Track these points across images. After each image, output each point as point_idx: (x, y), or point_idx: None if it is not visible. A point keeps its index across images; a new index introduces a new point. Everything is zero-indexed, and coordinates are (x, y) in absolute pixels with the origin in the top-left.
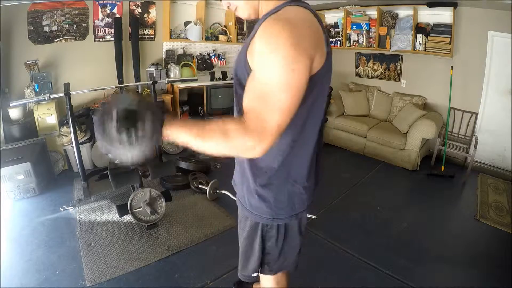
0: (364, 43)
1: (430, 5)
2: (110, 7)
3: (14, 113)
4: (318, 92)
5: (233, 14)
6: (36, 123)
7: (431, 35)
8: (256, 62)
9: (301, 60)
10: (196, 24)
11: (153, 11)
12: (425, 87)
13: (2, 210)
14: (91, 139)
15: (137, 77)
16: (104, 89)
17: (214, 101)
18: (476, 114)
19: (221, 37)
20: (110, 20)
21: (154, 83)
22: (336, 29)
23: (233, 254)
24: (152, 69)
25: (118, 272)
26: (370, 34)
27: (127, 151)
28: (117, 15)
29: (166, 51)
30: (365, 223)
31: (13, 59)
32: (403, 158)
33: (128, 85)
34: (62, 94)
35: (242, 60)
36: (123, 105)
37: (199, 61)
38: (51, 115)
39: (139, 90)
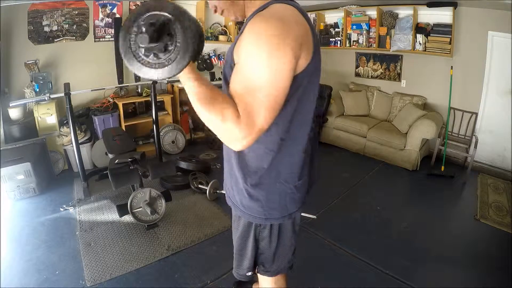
0: (364, 43)
1: (430, 5)
2: (110, 7)
3: (14, 113)
4: (305, 90)
5: None
6: (36, 123)
7: (431, 35)
8: (243, 57)
9: (286, 55)
10: None
11: None
12: (425, 87)
13: (2, 210)
14: (91, 139)
15: (137, 77)
16: (104, 89)
17: None
18: (476, 114)
19: (221, 37)
20: (110, 20)
21: (154, 83)
22: (336, 29)
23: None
24: None
25: (118, 272)
26: (370, 34)
27: (153, 71)
28: (117, 15)
29: None
30: (365, 223)
31: (13, 59)
32: (403, 158)
33: (128, 85)
34: (62, 94)
35: (229, 59)
36: (155, 11)
37: (199, 61)
38: (51, 115)
39: (139, 90)
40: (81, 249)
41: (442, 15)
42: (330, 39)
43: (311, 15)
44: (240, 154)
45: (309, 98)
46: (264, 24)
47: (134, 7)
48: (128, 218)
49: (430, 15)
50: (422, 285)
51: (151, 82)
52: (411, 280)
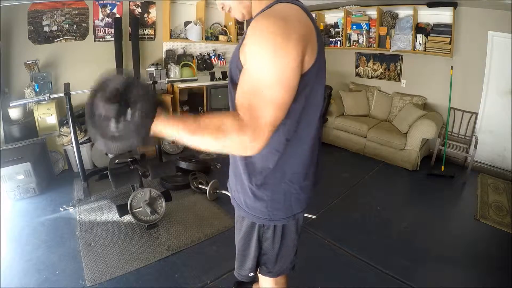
0: (364, 43)
1: (430, 5)
2: (110, 7)
3: (14, 113)
4: (311, 90)
5: None
6: (36, 123)
7: (431, 35)
8: (248, 58)
9: (291, 53)
10: (196, 24)
11: (153, 11)
12: (425, 87)
13: (2, 210)
14: (91, 139)
15: (137, 77)
16: None
17: (214, 101)
18: (476, 114)
19: (221, 37)
20: (110, 20)
21: (154, 83)
22: (336, 29)
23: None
24: (152, 69)
25: (118, 272)
26: (370, 34)
27: (108, 141)
28: (117, 15)
29: (166, 51)
30: (365, 223)
31: (13, 59)
32: (403, 158)
33: None
34: (62, 94)
35: (235, 60)
36: (111, 85)
37: (199, 61)
38: (51, 115)
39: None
40: (81, 249)
41: (442, 15)
42: (330, 39)
43: None
44: (245, 157)
45: (316, 97)
46: (266, 23)
47: (134, 7)
48: (128, 218)
49: (430, 15)
50: (422, 285)
51: (151, 82)
52: (411, 280)
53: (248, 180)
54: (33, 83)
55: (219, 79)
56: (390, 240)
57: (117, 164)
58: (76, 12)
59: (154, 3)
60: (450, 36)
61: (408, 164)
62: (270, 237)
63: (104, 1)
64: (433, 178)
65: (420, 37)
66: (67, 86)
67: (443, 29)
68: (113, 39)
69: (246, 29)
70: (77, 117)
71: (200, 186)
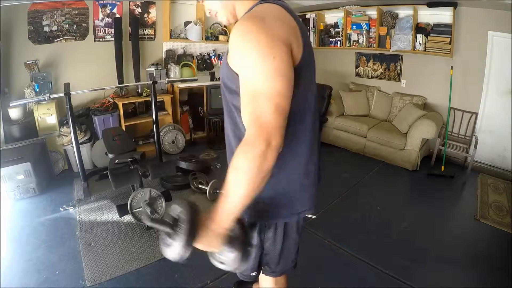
0: (364, 43)
1: (430, 5)
2: (110, 7)
3: (14, 113)
4: (304, 86)
5: None
6: (36, 123)
7: (431, 35)
8: (239, 63)
9: (278, 45)
10: (196, 24)
11: (153, 11)
12: (425, 87)
13: (2, 210)
14: (91, 139)
15: (137, 77)
16: (104, 89)
17: (214, 101)
18: (476, 114)
19: (221, 37)
20: (110, 20)
21: (154, 83)
22: (336, 29)
23: None
24: (152, 69)
25: (118, 272)
26: (370, 34)
27: (168, 249)
28: (117, 15)
29: (166, 51)
30: (365, 223)
31: (13, 59)
32: (403, 158)
33: (128, 85)
34: (62, 94)
35: (224, 64)
36: (171, 213)
37: (199, 61)
38: (51, 115)
39: (139, 90)
40: (81, 249)
41: (442, 15)
42: (330, 39)
43: (311, 15)
44: None
45: (308, 93)
46: (248, 23)
47: (134, 7)
48: (128, 218)
49: (430, 15)
50: (422, 285)
51: (151, 82)
52: (411, 280)
53: None
54: (33, 83)
55: (219, 79)
56: (390, 240)
57: (117, 164)
58: (76, 12)
59: (154, 3)
60: (450, 36)
61: (408, 164)
62: (271, 237)
63: (104, 1)
64: (433, 178)
65: (420, 37)
66: (67, 86)
67: (443, 29)
68: (113, 39)
69: None
70: (77, 117)
71: (200, 186)
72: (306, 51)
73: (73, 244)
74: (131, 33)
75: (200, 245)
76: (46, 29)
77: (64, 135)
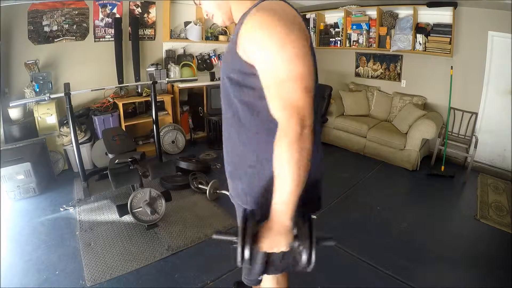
0: (364, 43)
1: (430, 5)
2: (110, 7)
3: (14, 113)
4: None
5: None
6: (36, 123)
7: (431, 35)
8: (257, 55)
9: (296, 33)
10: (196, 24)
11: (153, 11)
12: (425, 87)
13: (2, 210)
14: (91, 139)
15: (137, 77)
16: (104, 89)
17: (214, 101)
18: (476, 114)
19: (221, 37)
20: (110, 20)
21: (154, 83)
22: (336, 29)
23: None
24: (152, 69)
25: (118, 272)
26: (370, 34)
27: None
28: (117, 15)
29: (166, 51)
30: (365, 223)
31: (13, 59)
32: (403, 158)
33: (128, 85)
34: (62, 94)
35: (231, 58)
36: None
37: (199, 61)
38: (51, 115)
39: (139, 90)
40: (81, 249)
41: (442, 15)
42: (330, 39)
43: (311, 15)
44: (251, 153)
45: (316, 86)
46: (265, 15)
47: (134, 7)
48: (128, 218)
49: (430, 15)
50: (422, 285)
51: (151, 82)
52: (411, 280)
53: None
54: (33, 83)
55: (219, 79)
56: (390, 240)
57: (117, 164)
58: (76, 12)
59: (154, 3)
60: (450, 36)
61: (408, 164)
62: None
63: (104, 1)
64: (433, 178)
65: (420, 37)
66: (67, 86)
67: (443, 29)
68: (113, 39)
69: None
70: (77, 117)
71: (200, 186)
72: (311, 49)
73: (73, 244)
74: (131, 33)
75: (264, 246)
76: (46, 29)
77: (64, 135)
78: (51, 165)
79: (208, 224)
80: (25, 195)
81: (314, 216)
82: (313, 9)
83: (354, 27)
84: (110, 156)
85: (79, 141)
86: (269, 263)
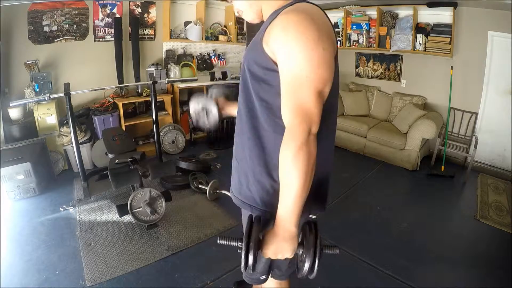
0: (364, 43)
1: (430, 5)
2: (110, 7)
3: (14, 113)
4: (335, 83)
5: (233, 14)
6: (36, 123)
7: (431, 35)
8: (282, 52)
9: (325, 38)
10: (196, 24)
11: (153, 11)
12: (425, 87)
13: (2, 210)
14: (91, 139)
15: (137, 77)
16: (104, 89)
17: None
18: (476, 114)
19: (221, 37)
20: (110, 20)
21: (154, 83)
22: (336, 29)
23: (233, 254)
24: (152, 69)
25: (118, 272)
26: (370, 34)
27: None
28: (117, 15)
29: (166, 51)
30: (365, 223)
31: (13, 59)
32: (403, 158)
33: (128, 85)
34: (62, 94)
35: (255, 50)
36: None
37: (199, 61)
38: (51, 115)
39: (139, 90)
40: (81, 249)
41: (442, 15)
42: None
43: None
44: (262, 151)
45: (338, 87)
46: (299, 17)
47: (134, 7)
48: (128, 218)
49: (430, 15)
50: (422, 285)
51: (151, 82)
52: (411, 280)
53: (268, 175)
54: (33, 83)
55: (219, 79)
56: (390, 240)
57: (117, 164)
58: (76, 12)
59: (154, 3)
60: (450, 36)
61: (408, 164)
62: None
63: (104, 1)
64: (433, 178)
65: (420, 37)
66: (67, 86)
67: (443, 29)
68: (113, 39)
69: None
70: (77, 117)
71: (200, 186)
72: (336, 59)
73: (73, 244)
74: (131, 33)
75: (269, 253)
76: (46, 29)
77: (64, 135)
78: (51, 165)
79: (208, 224)
80: (25, 195)
81: (314, 217)
82: None
83: (354, 27)
84: (110, 156)
85: (79, 141)
86: (275, 267)
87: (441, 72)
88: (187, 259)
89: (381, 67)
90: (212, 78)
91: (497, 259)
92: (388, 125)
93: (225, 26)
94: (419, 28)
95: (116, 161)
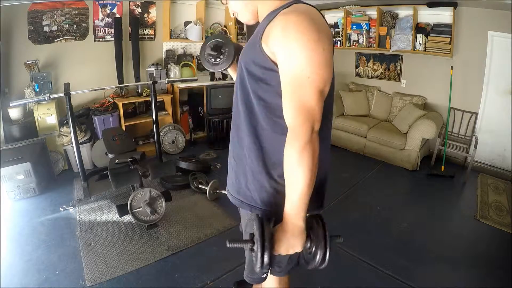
0: (364, 43)
1: (430, 5)
2: (110, 7)
3: (14, 113)
4: (332, 84)
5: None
6: (36, 123)
7: (431, 35)
8: (282, 52)
9: (325, 38)
10: (196, 24)
11: (153, 11)
12: (425, 87)
13: (2, 210)
14: (91, 139)
15: (137, 77)
16: (104, 89)
17: (214, 101)
18: (476, 114)
19: None
20: (110, 20)
21: (154, 83)
22: (336, 29)
23: (233, 254)
24: (152, 69)
25: (118, 272)
26: (370, 34)
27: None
28: (117, 15)
29: (166, 51)
30: (365, 223)
31: (13, 59)
32: (403, 158)
33: (128, 85)
34: (62, 94)
35: (254, 50)
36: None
37: (199, 61)
38: (51, 115)
39: (139, 90)
40: (81, 249)
41: (442, 15)
42: None
43: None
44: (260, 150)
45: (332, 92)
46: (299, 18)
47: (134, 7)
48: (128, 218)
49: (430, 15)
50: (422, 285)
51: (151, 82)
52: (411, 280)
53: (267, 175)
54: (33, 83)
55: (219, 79)
56: (390, 240)
57: (117, 164)
58: (76, 12)
59: (154, 3)
60: (450, 36)
61: (408, 164)
62: None
63: (104, 1)
64: (433, 178)
65: (420, 37)
66: (67, 86)
67: (443, 29)
68: (113, 39)
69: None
70: (77, 117)
71: (200, 186)
72: (333, 51)
73: (73, 244)
74: (131, 33)
75: (281, 250)
76: (46, 29)
77: (64, 135)
78: (51, 165)
79: (208, 224)
80: (25, 195)
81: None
82: None
83: (354, 27)
84: (110, 156)
85: (79, 141)
86: (275, 264)
87: (441, 72)
88: (187, 259)
89: (381, 67)
90: (212, 78)
91: (497, 259)
92: (388, 125)
93: (225, 26)
94: (419, 28)
95: (116, 161)
